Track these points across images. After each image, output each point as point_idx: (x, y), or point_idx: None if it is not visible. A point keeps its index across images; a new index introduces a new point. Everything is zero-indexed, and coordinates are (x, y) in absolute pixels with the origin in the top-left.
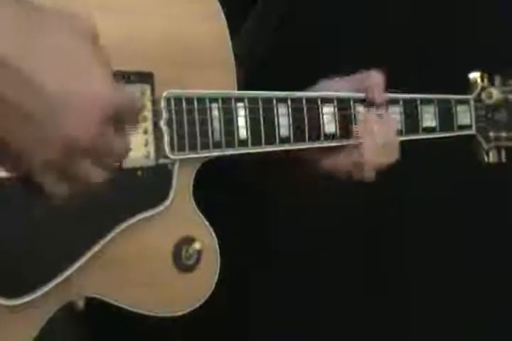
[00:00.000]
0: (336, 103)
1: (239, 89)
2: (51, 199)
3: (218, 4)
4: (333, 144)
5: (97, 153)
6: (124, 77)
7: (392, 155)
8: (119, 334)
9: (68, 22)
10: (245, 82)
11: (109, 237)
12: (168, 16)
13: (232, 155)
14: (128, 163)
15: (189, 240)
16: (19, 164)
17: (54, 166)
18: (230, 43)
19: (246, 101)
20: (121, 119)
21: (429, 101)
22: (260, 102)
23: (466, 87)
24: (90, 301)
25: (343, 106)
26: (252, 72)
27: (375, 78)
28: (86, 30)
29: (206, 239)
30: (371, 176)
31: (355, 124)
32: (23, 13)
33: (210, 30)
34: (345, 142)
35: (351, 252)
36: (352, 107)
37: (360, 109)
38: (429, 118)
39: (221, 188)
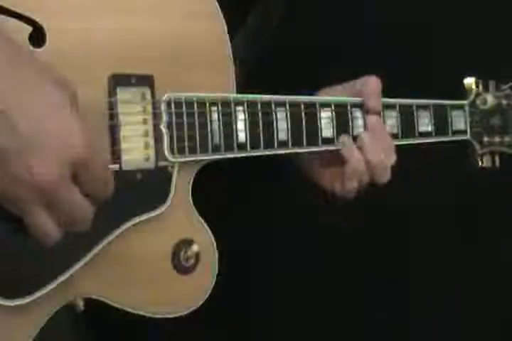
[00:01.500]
0: (333, 107)
1: (238, 89)
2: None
3: (217, 4)
4: (331, 148)
5: (55, 204)
6: (125, 79)
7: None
8: (120, 335)
9: (52, 78)
10: (245, 82)
11: (108, 239)
12: (166, 17)
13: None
14: (128, 165)
15: (187, 242)
16: None
17: (16, 203)
18: (228, 43)
19: (245, 104)
20: (90, 183)
21: (425, 106)
22: (259, 106)
23: (463, 91)
24: (90, 302)
25: (341, 110)
26: (252, 72)
27: (372, 85)
28: (66, 86)
29: (204, 242)
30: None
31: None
32: (13, 65)
33: (209, 31)
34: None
35: (354, 255)
36: (349, 112)
37: (358, 114)
38: (424, 123)
39: (221, 189)
